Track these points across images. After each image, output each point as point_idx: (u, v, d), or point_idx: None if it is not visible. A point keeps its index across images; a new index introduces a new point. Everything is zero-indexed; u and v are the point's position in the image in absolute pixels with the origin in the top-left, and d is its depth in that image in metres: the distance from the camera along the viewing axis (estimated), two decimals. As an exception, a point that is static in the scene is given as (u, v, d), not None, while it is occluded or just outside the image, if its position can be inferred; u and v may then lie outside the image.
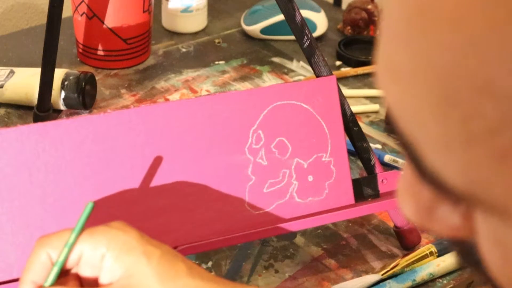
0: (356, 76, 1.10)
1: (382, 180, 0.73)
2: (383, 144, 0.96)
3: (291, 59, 1.13)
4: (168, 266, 0.55)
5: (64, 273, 0.56)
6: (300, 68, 1.11)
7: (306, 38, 0.73)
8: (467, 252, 0.31)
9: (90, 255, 0.55)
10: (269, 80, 1.08)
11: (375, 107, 1.03)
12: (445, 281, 0.77)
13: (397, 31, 0.27)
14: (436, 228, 0.31)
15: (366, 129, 0.98)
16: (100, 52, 1.07)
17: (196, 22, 1.18)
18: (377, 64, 0.29)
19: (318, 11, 1.18)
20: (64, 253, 0.55)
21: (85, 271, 0.55)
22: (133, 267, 0.54)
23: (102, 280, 0.55)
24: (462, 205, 0.29)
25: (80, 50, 1.08)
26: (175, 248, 0.66)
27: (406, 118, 0.28)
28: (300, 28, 0.73)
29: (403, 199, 0.32)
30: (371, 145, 0.77)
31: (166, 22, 1.18)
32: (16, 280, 0.63)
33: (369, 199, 0.74)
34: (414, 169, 0.30)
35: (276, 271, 0.76)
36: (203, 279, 0.56)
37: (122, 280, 0.54)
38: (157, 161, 0.66)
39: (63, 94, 0.96)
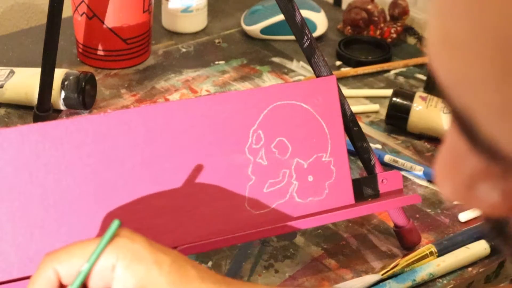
0: (356, 76, 1.10)
1: (382, 180, 0.73)
2: (383, 144, 0.96)
3: (291, 59, 1.13)
4: (180, 273, 0.55)
5: None
6: (300, 68, 1.11)
7: (306, 38, 0.73)
8: (500, 228, 0.32)
9: (100, 266, 0.54)
10: (269, 80, 1.08)
11: (375, 107, 1.03)
12: (445, 281, 0.77)
13: (455, 2, 0.27)
14: (474, 205, 0.31)
15: (366, 129, 0.98)
16: (100, 52, 1.07)
17: (196, 22, 1.18)
18: (430, 37, 0.29)
19: (318, 11, 1.18)
20: (85, 271, 0.53)
21: (96, 283, 0.54)
22: (145, 277, 0.54)
23: None
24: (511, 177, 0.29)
25: (80, 50, 1.08)
26: (175, 248, 0.66)
27: (463, 88, 0.28)
28: (300, 28, 0.73)
29: (442, 176, 0.32)
30: (371, 145, 0.77)
31: (166, 22, 1.18)
32: (16, 280, 0.63)
33: (369, 199, 0.74)
34: (466, 139, 0.30)
35: (276, 271, 0.76)
36: (214, 283, 0.55)
37: None
38: (158, 161, 0.66)
39: (63, 94, 0.96)
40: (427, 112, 0.96)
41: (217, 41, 1.17)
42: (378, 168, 0.75)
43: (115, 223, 0.55)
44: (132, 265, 0.54)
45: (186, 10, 1.16)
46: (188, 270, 0.55)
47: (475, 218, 0.85)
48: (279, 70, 1.10)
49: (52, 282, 0.54)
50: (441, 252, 0.78)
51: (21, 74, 0.99)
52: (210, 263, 0.77)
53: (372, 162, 0.75)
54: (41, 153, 0.63)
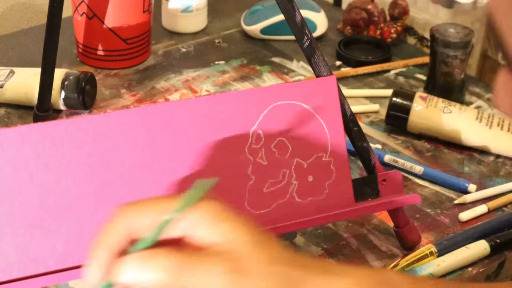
0: (356, 76, 1.10)
1: (382, 180, 0.73)
2: (383, 144, 0.96)
3: (291, 59, 1.13)
4: (262, 236, 0.54)
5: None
6: (300, 68, 1.11)
7: (306, 38, 0.73)
8: None
9: (185, 223, 0.52)
10: (269, 80, 1.08)
11: (375, 107, 1.03)
12: (445, 281, 0.77)
13: None
14: None
15: (366, 129, 0.98)
16: (100, 52, 1.07)
17: (196, 22, 1.18)
18: None
19: (318, 11, 1.18)
20: (168, 220, 0.52)
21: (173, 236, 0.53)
22: (230, 235, 0.53)
23: (196, 247, 0.53)
24: None
25: (80, 50, 1.08)
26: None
27: None
28: (300, 28, 0.73)
29: (501, 94, 0.38)
30: (371, 145, 0.77)
31: (166, 22, 1.18)
32: (16, 280, 0.63)
33: (369, 199, 0.74)
34: None
35: (276, 271, 0.76)
36: (296, 252, 0.55)
37: (217, 247, 0.52)
38: (158, 161, 0.66)
39: (63, 94, 0.96)
40: (427, 112, 0.96)
41: (217, 41, 1.17)
42: (378, 168, 0.75)
43: (214, 180, 0.54)
44: (216, 222, 0.53)
45: (186, 10, 1.16)
46: (270, 237, 0.55)
47: (475, 218, 0.85)
48: (279, 70, 1.10)
49: (123, 235, 0.52)
50: (441, 252, 0.78)
51: (21, 74, 0.99)
52: (210, 263, 0.77)
53: (372, 162, 0.75)
54: (41, 153, 0.63)
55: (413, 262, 0.76)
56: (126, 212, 0.53)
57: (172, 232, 0.53)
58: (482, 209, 0.85)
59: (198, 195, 0.54)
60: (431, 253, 0.77)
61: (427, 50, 1.17)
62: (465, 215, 0.84)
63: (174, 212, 0.52)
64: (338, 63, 1.13)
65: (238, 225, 0.54)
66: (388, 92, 1.04)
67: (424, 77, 1.10)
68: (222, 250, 0.52)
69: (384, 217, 0.84)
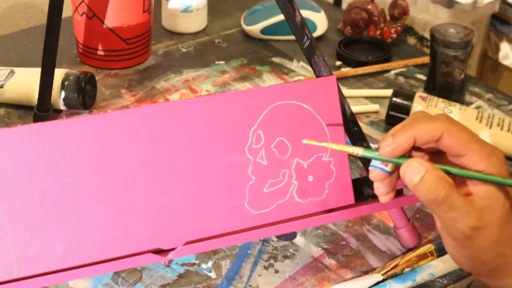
0: (356, 76, 1.10)
1: (382, 180, 0.73)
2: (383, 144, 0.96)
3: (291, 59, 1.13)
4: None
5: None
6: (300, 68, 1.11)
7: (306, 38, 0.73)
8: None
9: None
10: (269, 80, 1.08)
11: (375, 107, 1.03)
12: (445, 281, 0.77)
13: None
14: None
15: (366, 129, 0.98)
16: (100, 52, 1.07)
17: (196, 22, 1.18)
18: None
19: (318, 11, 1.18)
20: None
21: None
22: (467, 140, 0.62)
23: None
24: None
25: (80, 50, 1.08)
26: (173, 249, 0.66)
27: None
28: (300, 28, 0.73)
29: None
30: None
31: (166, 22, 1.18)
32: (16, 280, 0.63)
33: (369, 199, 0.74)
34: None
35: (276, 271, 0.76)
36: None
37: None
38: (158, 161, 0.66)
39: (63, 94, 0.96)
40: (427, 112, 0.96)
41: (217, 41, 1.17)
42: (378, 168, 0.75)
43: None
44: (456, 131, 0.62)
45: (186, 10, 1.16)
46: None
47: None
48: (279, 70, 1.10)
49: (431, 137, 0.62)
50: (441, 252, 0.78)
51: (21, 74, 0.99)
52: (210, 263, 0.77)
53: (372, 162, 0.75)
54: (41, 153, 0.63)
55: (413, 262, 0.76)
56: (447, 122, 0.62)
57: None
58: (482, 209, 0.85)
59: None
60: (431, 253, 0.77)
61: (427, 50, 1.17)
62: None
63: None
64: (338, 63, 1.13)
65: (474, 135, 0.63)
66: (388, 92, 1.04)
67: (424, 77, 1.10)
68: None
69: (384, 217, 0.84)
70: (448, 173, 0.62)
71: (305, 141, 0.66)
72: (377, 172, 0.64)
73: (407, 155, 0.64)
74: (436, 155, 0.65)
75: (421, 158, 0.64)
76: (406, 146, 0.62)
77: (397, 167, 0.63)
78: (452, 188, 0.61)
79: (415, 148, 0.64)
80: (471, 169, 0.62)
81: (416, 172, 0.61)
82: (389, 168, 0.64)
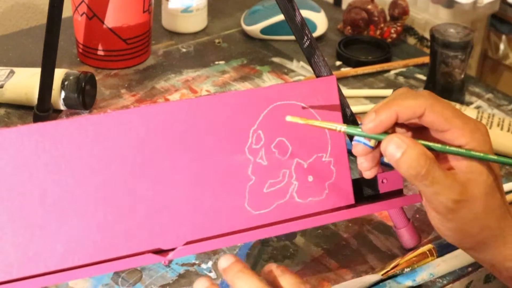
0: (356, 76, 1.10)
1: (382, 180, 0.73)
2: (383, 144, 0.96)
3: (291, 59, 1.13)
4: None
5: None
6: (300, 68, 1.11)
7: (306, 38, 0.73)
8: None
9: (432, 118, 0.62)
10: (269, 80, 1.08)
11: (375, 107, 1.03)
12: (445, 281, 0.77)
13: None
14: None
15: (366, 129, 0.98)
16: (100, 52, 1.07)
17: (196, 22, 1.18)
18: None
19: (318, 11, 1.18)
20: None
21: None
22: (450, 116, 0.62)
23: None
24: None
25: (80, 50, 1.08)
26: (173, 249, 0.66)
27: None
28: (300, 28, 0.73)
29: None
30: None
31: (166, 22, 1.18)
32: (16, 280, 0.63)
33: (369, 199, 0.74)
34: None
35: (276, 271, 0.76)
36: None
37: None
38: (158, 161, 0.66)
39: (63, 94, 0.96)
40: (427, 112, 0.96)
41: (217, 41, 1.17)
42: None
43: None
44: (439, 107, 0.62)
45: (186, 10, 1.16)
46: None
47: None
48: (279, 70, 1.10)
49: (412, 114, 0.63)
50: (441, 252, 0.78)
51: (21, 74, 0.99)
52: (210, 263, 0.77)
53: (372, 162, 0.75)
54: (41, 153, 0.63)
55: (413, 262, 0.76)
56: (430, 98, 0.63)
57: None
58: (482, 209, 0.85)
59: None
60: (431, 253, 0.77)
61: (427, 50, 1.17)
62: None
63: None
64: (338, 63, 1.13)
65: (455, 110, 0.63)
66: (388, 92, 1.04)
67: (424, 77, 1.10)
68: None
69: (384, 217, 0.84)
70: (429, 148, 0.62)
71: (288, 118, 0.66)
72: (360, 146, 0.65)
73: (390, 131, 0.64)
74: (420, 131, 0.65)
75: (403, 134, 0.65)
76: (389, 122, 0.63)
77: (380, 142, 0.64)
78: (433, 163, 0.61)
79: (399, 124, 0.65)
80: (454, 144, 0.63)
81: (397, 147, 0.61)
82: (372, 143, 0.64)
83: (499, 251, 0.65)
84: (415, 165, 0.61)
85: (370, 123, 0.63)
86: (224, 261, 0.62)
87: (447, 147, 0.63)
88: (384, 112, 0.63)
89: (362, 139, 0.65)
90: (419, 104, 0.62)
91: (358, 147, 0.65)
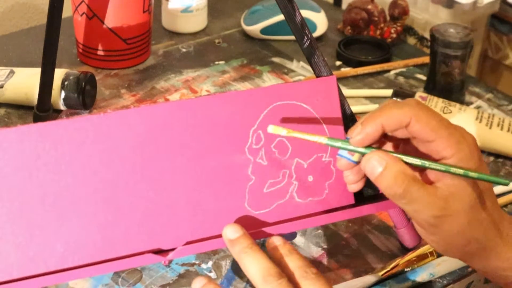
0: (356, 76, 1.10)
1: (382, 180, 0.73)
2: (383, 144, 0.96)
3: (291, 59, 1.13)
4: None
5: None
6: (300, 68, 1.11)
7: (306, 38, 0.73)
8: None
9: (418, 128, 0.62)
10: (269, 80, 1.08)
11: (375, 107, 1.03)
12: (445, 281, 0.77)
13: None
14: None
15: (366, 129, 0.98)
16: (100, 52, 1.07)
17: (196, 22, 1.18)
18: None
19: (318, 11, 1.18)
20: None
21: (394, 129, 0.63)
22: (436, 126, 0.61)
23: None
24: None
25: (80, 50, 1.08)
26: (173, 249, 0.66)
27: None
28: (300, 28, 0.73)
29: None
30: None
31: (166, 22, 1.18)
32: (16, 280, 0.63)
33: (369, 199, 0.74)
34: None
35: (276, 271, 0.76)
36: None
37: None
38: (158, 161, 0.66)
39: (63, 94, 0.96)
40: (427, 112, 0.96)
41: (217, 41, 1.17)
42: (378, 168, 0.75)
43: None
44: (425, 116, 0.62)
45: (186, 10, 1.16)
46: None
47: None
48: (279, 70, 1.10)
49: (400, 125, 0.62)
50: (441, 252, 0.78)
51: (21, 74, 0.99)
52: (210, 263, 0.77)
53: (372, 162, 0.75)
54: (41, 153, 0.63)
55: (413, 262, 0.76)
56: (416, 108, 0.62)
57: None
58: (482, 209, 0.85)
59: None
60: (431, 253, 0.77)
61: (427, 50, 1.17)
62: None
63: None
64: (338, 63, 1.13)
65: (441, 119, 0.63)
66: (388, 92, 1.04)
67: (424, 77, 1.10)
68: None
69: (384, 217, 0.84)
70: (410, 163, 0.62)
71: (270, 128, 0.65)
72: (343, 161, 0.65)
73: (377, 144, 0.64)
74: (407, 142, 0.65)
75: (392, 145, 0.65)
76: (375, 134, 0.62)
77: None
78: (411, 182, 0.61)
79: (387, 136, 0.64)
80: (440, 155, 0.62)
81: (375, 167, 0.61)
82: (355, 158, 0.64)
83: (490, 262, 0.65)
84: (391, 185, 0.61)
85: (357, 136, 0.63)
86: (231, 232, 0.63)
87: (427, 163, 0.62)
88: (370, 124, 0.62)
89: (345, 153, 0.64)
90: (405, 114, 0.61)
91: (341, 161, 0.65)
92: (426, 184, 0.62)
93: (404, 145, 0.65)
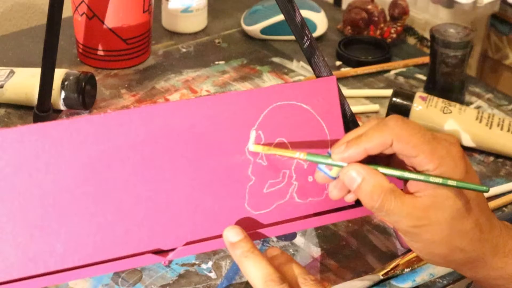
0: (356, 76, 1.10)
1: (382, 180, 0.73)
2: (383, 144, 0.96)
3: (291, 59, 1.13)
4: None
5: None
6: (300, 68, 1.11)
7: (306, 38, 0.73)
8: None
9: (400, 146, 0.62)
10: (269, 80, 1.08)
11: (375, 107, 1.03)
12: (445, 282, 0.77)
13: None
14: None
15: (366, 129, 0.98)
16: (100, 52, 1.07)
17: (196, 22, 1.18)
18: None
19: (318, 11, 1.18)
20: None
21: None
22: (419, 143, 0.62)
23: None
24: None
25: (80, 50, 1.08)
26: (173, 249, 0.66)
27: None
28: (300, 28, 0.73)
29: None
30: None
31: (166, 22, 1.18)
32: (16, 280, 0.63)
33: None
34: None
35: (276, 271, 0.76)
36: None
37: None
38: (158, 161, 0.66)
39: (63, 94, 0.96)
40: (427, 112, 0.96)
41: (217, 41, 1.17)
42: (378, 168, 0.75)
43: None
44: (406, 135, 0.62)
45: (186, 10, 1.16)
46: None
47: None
48: (279, 70, 1.10)
49: (383, 146, 0.62)
50: (441, 252, 0.78)
51: (21, 74, 0.99)
52: (210, 263, 0.77)
53: (372, 162, 0.75)
54: (41, 153, 0.63)
55: (413, 262, 0.76)
56: (396, 128, 0.62)
57: None
58: (482, 209, 0.85)
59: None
60: (431, 253, 0.77)
61: (427, 50, 1.17)
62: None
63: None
64: (338, 63, 1.13)
65: (426, 134, 0.62)
66: (388, 92, 1.04)
67: (424, 77, 1.10)
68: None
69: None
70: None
71: (251, 147, 0.67)
72: (321, 174, 0.65)
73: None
74: (394, 155, 0.65)
75: (377, 156, 0.65)
76: (357, 158, 0.63)
77: None
78: (388, 195, 0.62)
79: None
80: (424, 168, 0.62)
81: (352, 180, 0.62)
82: (333, 173, 0.64)
83: (478, 271, 0.66)
84: (368, 200, 0.62)
85: (338, 155, 0.63)
86: (232, 235, 0.63)
87: (405, 174, 0.63)
88: (353, 148, 0.63)
89: (323, 167, 0.65)
90: (386, 137, 0.62)
91: (318, 174, 0.66)
92: (404, 195, 0.62)
93: (390, 158, 0.65)
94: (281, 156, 0.68)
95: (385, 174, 0.63)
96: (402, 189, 0.63)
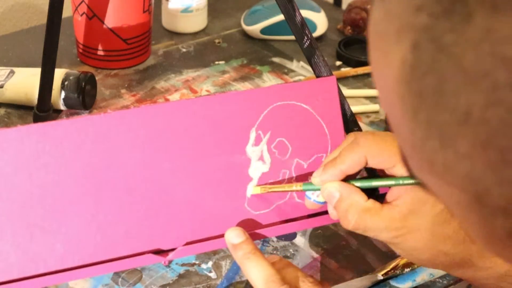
0: (356, 76, 1.10)
1: (382, 180, 0.73)
2: (383, 144, 0.96)
3: (291, 59, 1.13)
4: None
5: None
6: (300, 68, 1.11)
7: (306, 38, 0.73)
8: None
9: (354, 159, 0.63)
10: (269, 80, 1.08)
11: (375, 107, 1.03)
12: (445, 281, 0.77)
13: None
14: None
15: (366, 129, 0.98)
16: (100, 52, 1.07)
17: (196, 22, 1.18)
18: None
19: (318, 11, 1.18)
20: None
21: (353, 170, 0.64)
22: (389, 160, 0.63)
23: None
24: None
25: (80, 50, 1.08)
26: (173, 249, 0.66)
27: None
28: (300, 28, 0.73)
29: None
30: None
31: (166, 22, 1.18)
32: (16, 280, 0.63)
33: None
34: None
35: (276, 271, 0.76)
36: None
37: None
38: (158, 161, 0.66)
39: (63, 94, 0.96)
40: (427, 112, 0.96)
41: (217, 41, 1.17)
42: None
43: None
44: (377, 151, 0.63)
45: (186, 10, 1.16)
46: None
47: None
48: (279, 70, 1.10)
49: (360, 162, 0.64)
50: (441, 252, 0.78)
51: (21, 74, 0.99)
52: (210, 263, 0.77)
53: (372, 162, 0.75)
54: (41, 153, 0.63)
55: (412, 262, 0.76)
56: (366, 145, 0.63)
57: None
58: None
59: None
60: (431, 253, 0.77)
61: (427, 50, 1.17)
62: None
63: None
64: (338, 63, 1.13)
65: (395, 150, 0.63)
66: (388, 92, 1.03)
67: (424, 77, 1.10)
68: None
69: (384, 217, 0.84)
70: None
71: (250, 191, 0.69)
72: (309, 202, 0.68)
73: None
74: None
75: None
76: (335, 179, 0.65)
77: None
78: (363, 214, 0.63)
79: None
80: (404, 175, 0.63)
81: (331, 199, 0.64)
82: (320, 198, 0.66)
83: (466, 272, 0.66)
84: (343, 220, 0.64)
85: (317, 179, 0.65)
86: (234, 236, 0.64)
87: (373, 182, 0.64)
88: (330, 170, 0.64)
89: (309, 194, 0.67)
90: (359, 156, 0.64)
91: (308, 201, 0.68)
92: (381, 209, 0.63)
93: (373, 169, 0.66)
94: (280, 192, 0.70)
95: (358, 187, 0.64)
96: (386, 193, 0.64)
